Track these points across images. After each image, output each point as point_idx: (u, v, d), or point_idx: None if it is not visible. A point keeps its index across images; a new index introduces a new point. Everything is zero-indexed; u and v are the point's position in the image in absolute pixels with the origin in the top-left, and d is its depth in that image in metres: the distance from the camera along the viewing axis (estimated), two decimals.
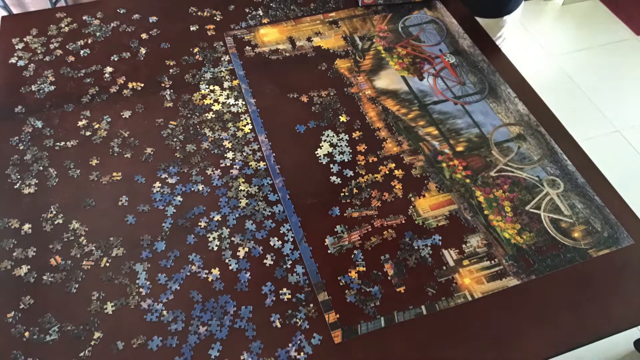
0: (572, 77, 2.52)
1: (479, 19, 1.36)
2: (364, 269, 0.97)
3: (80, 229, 1.01)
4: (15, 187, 1.07)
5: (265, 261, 0.97)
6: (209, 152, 1.14)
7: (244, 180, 1.09)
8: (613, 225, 1.04)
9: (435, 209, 1.06)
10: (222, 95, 1.25)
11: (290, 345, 0.87)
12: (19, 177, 1.08)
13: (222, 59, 1.33)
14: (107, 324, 0.89)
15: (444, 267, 0.97)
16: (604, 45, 2.72)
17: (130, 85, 1.27)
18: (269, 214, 1.04)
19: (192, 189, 1.07)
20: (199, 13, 1.46)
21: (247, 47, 1.37)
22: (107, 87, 1.26)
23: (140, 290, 0.93)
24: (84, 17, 1.43)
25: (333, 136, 1.17)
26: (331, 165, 1.12)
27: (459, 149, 1.16)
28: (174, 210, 1.04)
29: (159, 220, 1.02)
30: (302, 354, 0.87)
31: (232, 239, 1.00)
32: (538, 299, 0.94)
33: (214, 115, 1.21)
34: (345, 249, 0.99)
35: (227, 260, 0.97)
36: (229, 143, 1.15)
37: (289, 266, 0.97)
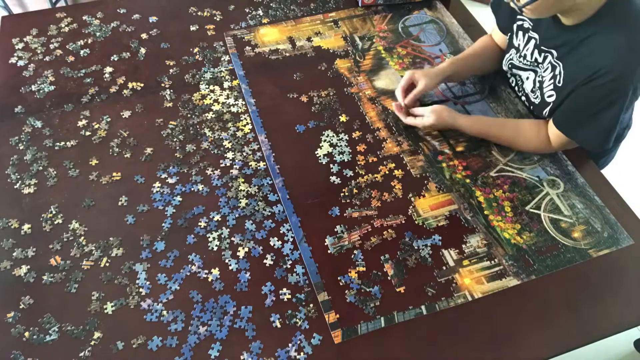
0: None
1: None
2: (364, 269, 0.97)
3: (80, 229, 1.01)
4: (15, 187, 1.07)
5: (265, 261, 0.97)
6: (208, 152, 1.14)
7: (243, 180, 1.09)
8: (613, 225, 1.04)
9: (435, 209, 1.06)
10: (222, 95, 1.25)
11: (290, 345, 0.87)
12: (18, 177, 1.08)
13: (222, 59, 1.33)
14: (107, 324, 0.89)
15: (444, 267, 0.97)
16: None
17: (130, 85, 1.27)
18: (269, 214, 1.04)
19: (192, 189, 1.07)
20: (199, 13, 1.46)
21: (247, 47, 1.37)
22: (107, 87, 1.26)
23: (140, 290, 0.93)
24: (84, 17, 1.43)
25: (333, 136, 1.17)
26: (331, 165, 1.12)
27: (459, 149, 1.16)
28: (174, 210, 1.04)
29: (159, 220, 1.02)
30: (302, 354, 0.86)
31: (232, 239, 1.00)
32: (538, 299, 0.94)
33: (213, 115, 1.21)
34: (345, 249, 0.99)
35: (227, 260, 0.97)
36: (228, 143, 1.15)
37: (289, 266, 0.97)
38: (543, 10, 0.95)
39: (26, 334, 0.88)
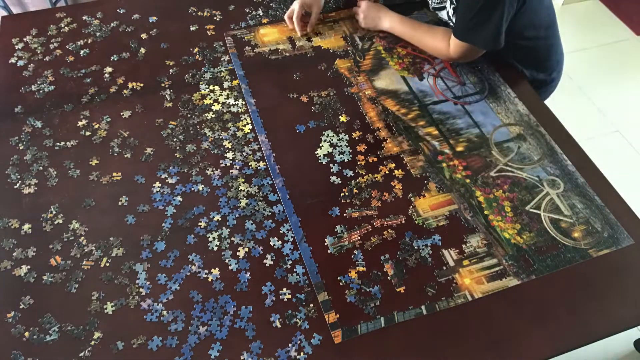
0: (572, 77, 2.52)
1: None
2: (364, 269, 0.97)
3: (80, 229, 1.01)
4: (15, 187, 1.07)
5: (265, 261, 0.97)
6: (208, 152, 1.14)
7: (244, 180, 1.09)
8: (613, 225, 1.04)
9: (435, 209, 1.06)
10: (222, 95, 1.25)
11: (290, 345, 0.87)
12: (18, 177, 1.08)
13: (222, 59, 1.33)
14: (107, 324, 0.89)
15: (444, 267, 0.97)
16: (604, 45, 2.72)
17: (130, 85, 1.27)
18: (269, 214, 1.04)
19: (192, 189, 1.07)
20: (199, 13, 1.46)
21: (247, 47, 1.37)
22: (106, 87, 1.26)
23: (140, 290, 0.93)
24: (84, 17, 1.43)
25: (333, 136, 1.17)
26: (331, 165, 1.12)
27: (459, 149, 1.16)
28: (174, 210, 1.04)
29: (159, 220, 1.02)
30: (302, 354, 0.87)
31: (232, 239, 1.00)
32: (538, 299, 0.94)
33: (213, 115, 1.21)
34: (345, 249, 0.99)
35: (227, 260, 0.97)
36: (228, 143, 1.15)
37: (289, 266, 0.97)
38: None
39: (26, 334, 0.88)
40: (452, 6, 1.27)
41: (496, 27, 1.16)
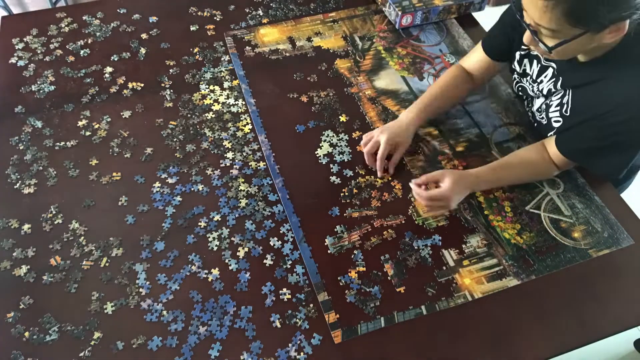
0: None
1: None
2: (364, 269, 0.97)
3: (80, 229, 1.01)
4: (15, 187, 1.07)
5: (265, 261, 0.97)
6: (208, 152, 1.14)
7: (243, 180, 1.09)
8: (613, 225, 1.04)
9: None
10: (222, 95, 1.25)
11: (290, 345, 0.87)
12: (18, 177, 1.08)
13: (222, 59, 1.33)
14: (107, 324, 0.89)
15: (444, 267, 0.97)
16: None
17: (130, 85, 1.27)
18: (269, 214, 1.04)
19: (192, 189, 1.07)
20: (199, 13, 1.46)
21: (247, 47, 1.37)
22: (107, 87, 1.26)
23: (140, 290, 0.93)
24: (84, 17, 1.43)
25: (333, 136, 1.17)
26: (331, 165, 1.12)
27: (459, 149, 1.16)
28: (174, 210, 1.04)
29: (159, 220, 1.02)
30: (302, 354, 0.87)
31: (232, 239, 1.00)
32: (538, 299, 0.94)
33: (213, 115, 1.21)
34: (345, 249, 0.99)
35: (227, 260, 0.97)
36: (228, 143, 1.15)
37: (289, 266, 0.97)
38: (569, 52, 0.90)
39: (26, 334, 0.88)
40: (557, 108, 1.03)
41: (622, 161, 1.00)
